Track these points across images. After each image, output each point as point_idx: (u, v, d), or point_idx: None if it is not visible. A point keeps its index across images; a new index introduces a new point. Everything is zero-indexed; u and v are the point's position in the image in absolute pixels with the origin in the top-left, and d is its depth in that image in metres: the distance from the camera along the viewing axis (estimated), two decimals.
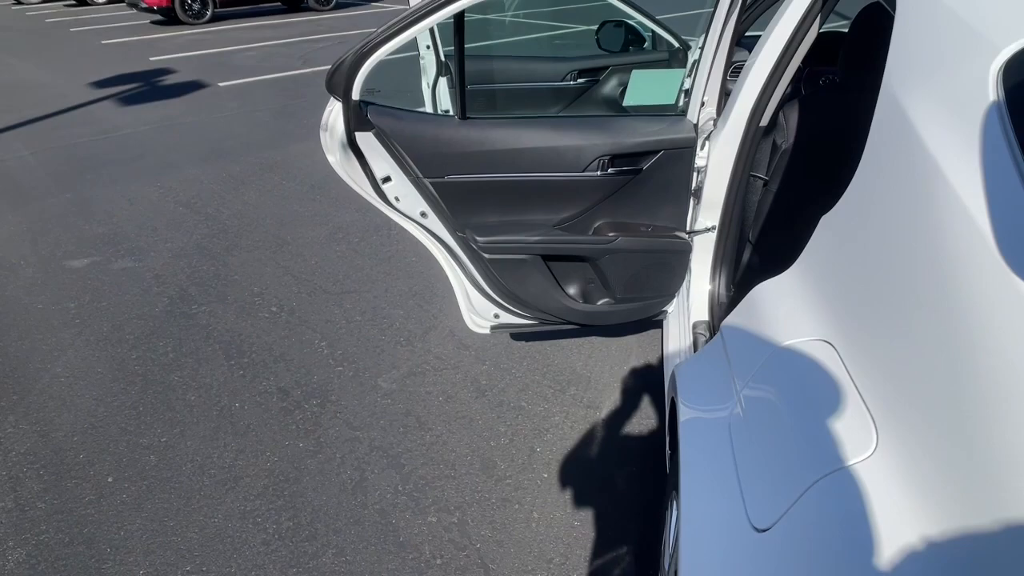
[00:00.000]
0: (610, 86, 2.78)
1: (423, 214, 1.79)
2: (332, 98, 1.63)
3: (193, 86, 6.85)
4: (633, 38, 2.78)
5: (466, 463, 2.02)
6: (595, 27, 2.80)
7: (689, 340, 2.00)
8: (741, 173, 1.82)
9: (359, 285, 2.99)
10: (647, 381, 2.35)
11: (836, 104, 1.81)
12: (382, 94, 1.68)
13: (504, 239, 1.77)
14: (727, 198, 1.86)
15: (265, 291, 2.95)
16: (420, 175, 1.71)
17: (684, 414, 1.30)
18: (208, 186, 4.17)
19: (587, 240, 1.82)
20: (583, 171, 1.71)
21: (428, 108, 2.42)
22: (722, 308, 2.00)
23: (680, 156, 1.75)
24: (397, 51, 1.58)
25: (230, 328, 2.68)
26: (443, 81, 2.38)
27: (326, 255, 3.26)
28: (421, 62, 2.36)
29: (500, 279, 1.84)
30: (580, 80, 2.75)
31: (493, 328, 2.03)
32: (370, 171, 1.71)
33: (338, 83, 1.57)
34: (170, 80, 7.16)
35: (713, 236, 1.97)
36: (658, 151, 1.72)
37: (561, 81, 2.74)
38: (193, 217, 3.72)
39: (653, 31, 2.70)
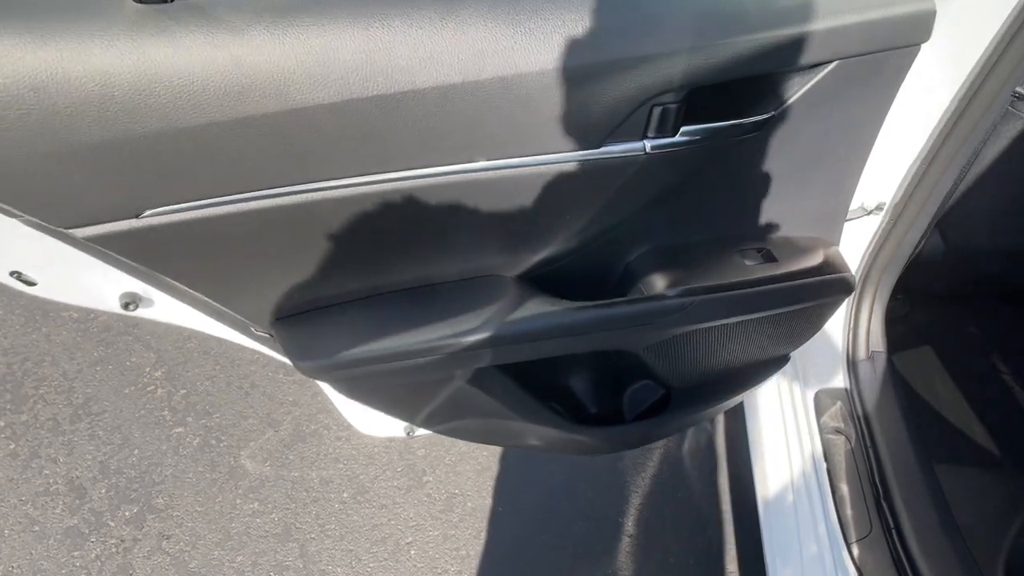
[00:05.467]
0: None
1: (127, 304, 0.65)
2: None
3: None
4: None
5: None
6: None
7: (811, 442, 1.00)
8: (1004, 80, 0.72)
9: None
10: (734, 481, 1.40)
11: None
12: None
13: (381, 350, 0.65)
14: (943, 137, 0.79)
15: None
16: (40, 220, 0.49)
17: None
18: None
19: (614, 318, 0.69)
20: (604, 143, 0.57)
21: None
22: (876, 374, 0.99)
23: (876, 67, 0.62)
24: None
25: (13, 344, 1.64)
26: None
27: None
28: None
29: (398, 415, 0.77)
30: None
31: (409, 434, 1.01)
32: None
33: None
34: None
35: (875, 223, 0.92)
36: (826, 62, 0.59)
37: None
38: None
39: None
